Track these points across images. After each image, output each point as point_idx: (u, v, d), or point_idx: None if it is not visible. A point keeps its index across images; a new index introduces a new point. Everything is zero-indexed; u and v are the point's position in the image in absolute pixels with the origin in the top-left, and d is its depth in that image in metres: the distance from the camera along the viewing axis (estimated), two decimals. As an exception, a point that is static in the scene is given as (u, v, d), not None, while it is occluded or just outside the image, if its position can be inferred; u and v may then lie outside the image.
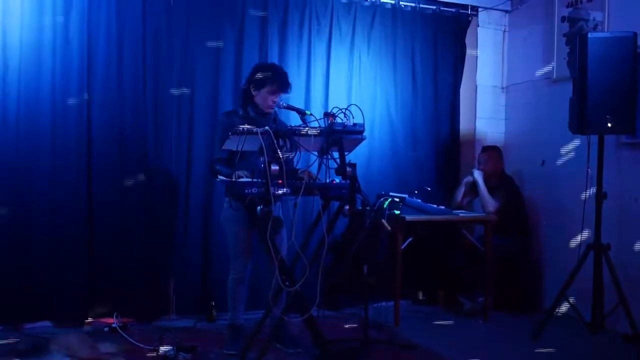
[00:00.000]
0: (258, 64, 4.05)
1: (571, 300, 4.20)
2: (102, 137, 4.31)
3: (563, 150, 4.90)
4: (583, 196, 4.21)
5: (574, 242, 4.27)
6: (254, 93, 3.80)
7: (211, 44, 4.59)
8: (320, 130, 3.21)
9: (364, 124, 3.30)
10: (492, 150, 5.19)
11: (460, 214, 4.75)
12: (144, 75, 4.40)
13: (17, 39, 4.05)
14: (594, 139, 4.13)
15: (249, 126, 3.14)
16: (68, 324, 4.21)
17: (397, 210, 4.47)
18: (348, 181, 3.19)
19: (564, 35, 4.97)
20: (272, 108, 3.82)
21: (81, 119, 4.23)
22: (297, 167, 3.60)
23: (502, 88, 5.70)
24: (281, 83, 3.77)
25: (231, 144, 3.19)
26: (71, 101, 4.18)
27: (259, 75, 3.79)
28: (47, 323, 4.23)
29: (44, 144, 4.15)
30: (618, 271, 4.01)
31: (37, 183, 4.14)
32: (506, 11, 5.62)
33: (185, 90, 4.53)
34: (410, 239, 4.61)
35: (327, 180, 3.26)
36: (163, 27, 4.45)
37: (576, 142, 4.39)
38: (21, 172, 4.10)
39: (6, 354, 3.55)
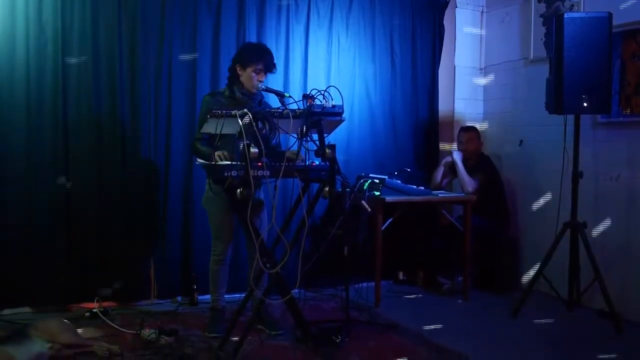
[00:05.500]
0: (245, 43, 4.03)
1: (548, 277, 4.26)
2: (79, 120, 4.25)
3: (540, 130, 4.95)
4: (560, 175, 4.26)
5: (551, 221, 4.33)
6: (239, 72, 3.77)
7: (188, 24, 4.53)
8: (299, 112, 3.20)
9: (342, 105, 3.29)
10: (470, 131, 5.22)
11: (440, 195, 4.79)
12: (120, 55, 4.33)
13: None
14: (570, 118, 4.18)
15: (227, 109, 3.11)
16: (48, 309, 4.18)
17: (377, 191, 4.50)
18: (328, 163, 3.19)
19: (541, 15, 5.00)
20: (257, 88, 3.77)
21: (56, 102, 4.18)
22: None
23: (481, 69, 5.72)
24: (267, 63, 3.74)
25: (210, 127, 3.17)
26: (46, 88, 4.15)
27: (245, 54, 3.77)
28: (26, 309, 4.20)
29: (19, 127, 4.09)
30: (594, 249, 4.07)
31: (14, 167, 4.09)
32: (484, -8, 5.65)
33: (162, 70, 4.46)
34: (390, 220, 4.63)
35: (307, 163, 3.25)
36: (139, 6, 4.37)
37: (553, 122, 4.42)
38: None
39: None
